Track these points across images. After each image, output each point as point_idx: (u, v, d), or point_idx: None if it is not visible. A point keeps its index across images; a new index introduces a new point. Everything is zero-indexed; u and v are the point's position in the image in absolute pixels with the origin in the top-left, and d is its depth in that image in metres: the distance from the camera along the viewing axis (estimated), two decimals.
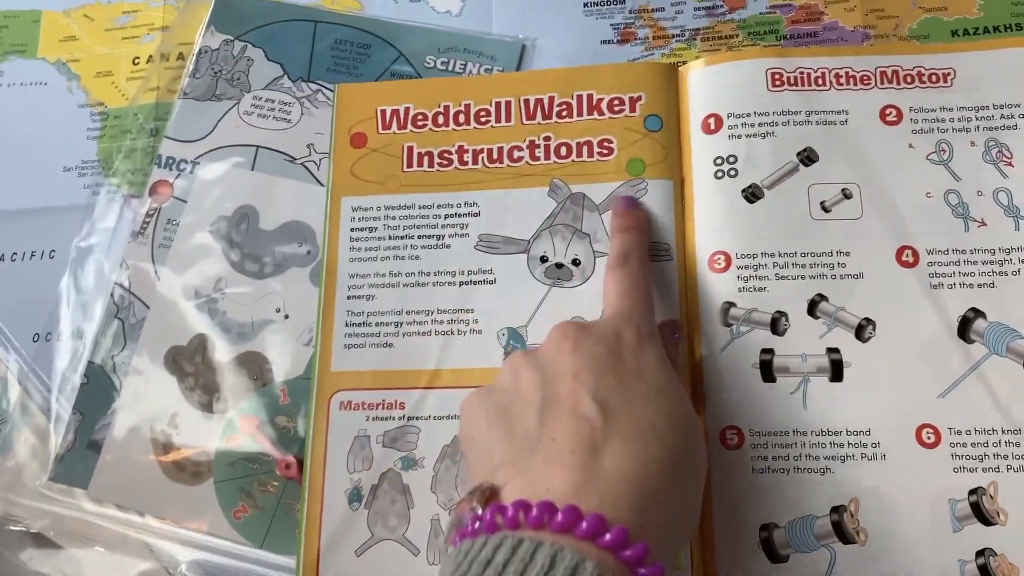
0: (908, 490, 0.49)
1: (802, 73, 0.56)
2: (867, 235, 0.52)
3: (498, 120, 0.58)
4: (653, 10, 0.60)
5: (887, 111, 0.55)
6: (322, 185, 0.60)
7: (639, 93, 0.57)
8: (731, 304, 0.52)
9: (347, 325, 0.55)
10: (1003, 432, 0.49)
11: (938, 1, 0.59)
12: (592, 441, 0.39)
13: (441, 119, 0.58)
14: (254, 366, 0.57)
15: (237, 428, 0.56)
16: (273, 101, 0.62)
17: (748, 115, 0.55)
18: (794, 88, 0.55)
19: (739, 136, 0.55)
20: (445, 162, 0.57)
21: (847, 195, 0.53)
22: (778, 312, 0.51)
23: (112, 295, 0.59)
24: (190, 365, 0.58)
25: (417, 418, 0.53)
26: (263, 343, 0.57)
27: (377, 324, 0.55)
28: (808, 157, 0.54)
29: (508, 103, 0.58)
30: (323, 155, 0.60)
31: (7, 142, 0.66)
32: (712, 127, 0.55)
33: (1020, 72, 0.55)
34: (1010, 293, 0.51)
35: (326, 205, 0.58)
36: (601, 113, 0.57)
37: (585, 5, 0.62)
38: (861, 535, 0.48)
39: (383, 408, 0.54)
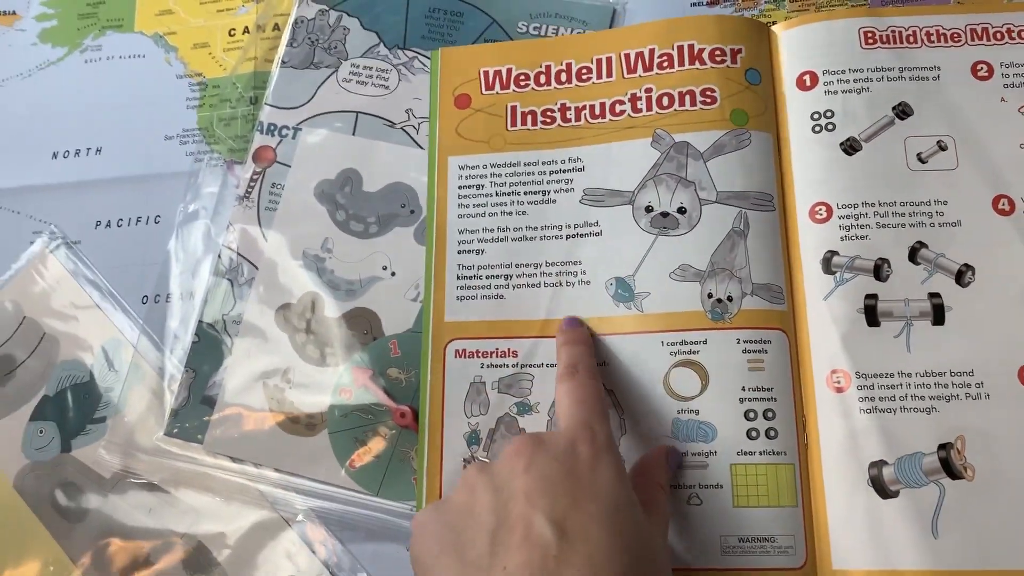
0: (1013, 428, 0.50)
1: (894, 31, 0.57)
2: (963, 185, 0.54)
3: (599, 76, 0.60)
4: None
5: (978, 67, 0.56)
6: (421, 148, 0.61)
7: (739, 46, 0.58)
8: (834, 252, 0.54)
9: (458, 278, 0.58)
10: None
11: None
12: (544, 570, 0.39)
13: (543, 78, 0.60)
14: (363, 321, 0.59)
15: (350, 380, 0.58)
16: (371, 68, 0.64)
17: (843, 72, 0.57)
18: (887, 46, 0.57)
19: (835, 92, 0.56)
20: (548, 120, 0.59)
21: (942, 147, 0.55)
22: (880, 259, 0.53)
23: (219, 256, 0.61)
24: (300, 321, 0.60)
25: (530, 366, 0.55)
26: (371, 299, 0.59)
27: (488, 276, 0.57)
28: (903, 111, 0.56)
29: (608, 59, 0.60)
30: (422, 119, 0.62)
31: (109, 113, 0.68)
32: (808, 84, 0.57)
33: None
34: None
35: (432, 165, 0.60)
36: (703, 63, 0.58)
37: None
38: (969, 471, 0.50)
39: (497, 356, 0.56)
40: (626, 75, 0.59)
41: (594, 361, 0.52)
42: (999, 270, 0.53)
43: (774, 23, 0.60)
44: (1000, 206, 0.53)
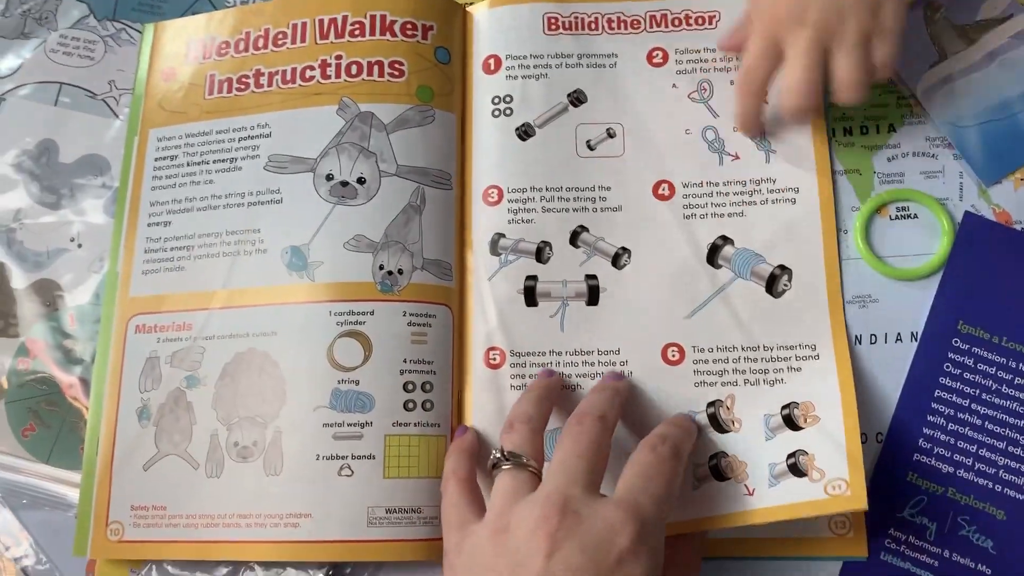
0: (652, 403, 0.52)
1: (577, 18, 0.59)
2: (627, 171, 0.56)
3: (293, 41, 0.59)
4: None
5: (654, 53, 0.58)
6: (120, 119, 0.61)
7: (431, 22, 0.59)
8: (501, 235, 0.55)
9: (146, 252, 0.57)
10: (742, 349, 0.53)
11: None
12: None
13: (242, 45, 0.60)
14: (47, 293, 0.58)
15: (27, 352, 0.57)
16: (78, 40, 0.63)
17: (525, 57, 0.58)
18: (569, 32, 0.58)
19: (515, 77, 0.58)
20: (242, 87, 0.59)
21: (611, 134, 0.57)
22: (543, 242, 0.55)
23: None
24: None
25: (203, 338, 0.55)
26: (56, 271, 0.59)
27: (172, 249, 0.57)
28: (577, 98, 0.57)
29: (304, 24, 0.59)
30: (124, 91, 0.62)
31: None
32: (492, 67, 0.58)
33: None
34: (756, 221, 0.55)
35: (131, 137, 0.60)
36: (394, 35, 0.58)
37: None
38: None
39: (173, 329, 0.55)
40: (319, 41, 0.59)
41: (687, 445, 0.47)
42: (655, 253, 0.55)
43: (472, 3, 0.60)
44: (660, 191, 0.55)
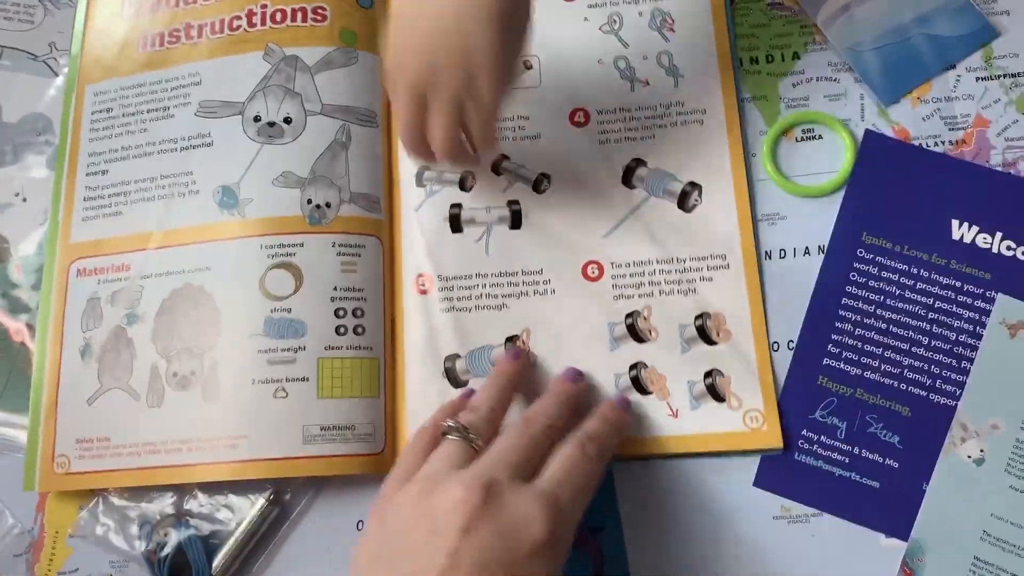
0: (574, 318, 0.55)
1: None
2: (544, 102, 0.59)
3: None
4: None
5: None
6: (60, 78, 0.63)
7: None
8: (426, 167, 0.58)
9: (85, 199, 0.60)
10: (657, 262, 0.55)
11: None
12: None
13: (172, 1, 0.63)
14: None
15: None
16: (19, 4, 0.66)
17: None
18: None
19: None
20: (173, 40, 0.62)
21: (527, 66, 0.59)
22: (466, 172, 0.57)
23: None
24: None
25: (141, 277, 0.57)
26: (2, 225, 0.61)
27: (110, 196, 0.59)
28: None
29: None
30: (63, 51, 0.64)
31: None
32: None
33: None
34: (667, 142, 0.57)
35: (68, 93, 0.62)
36: None
37: None
38: (532, 358, 0.54)
39: (112, 271, 0.58)
40: None
41: (614, 444, 0.49)
42: (574, 178, 0.57)
43: None
44: (576, 119, 0.58)
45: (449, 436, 0.46)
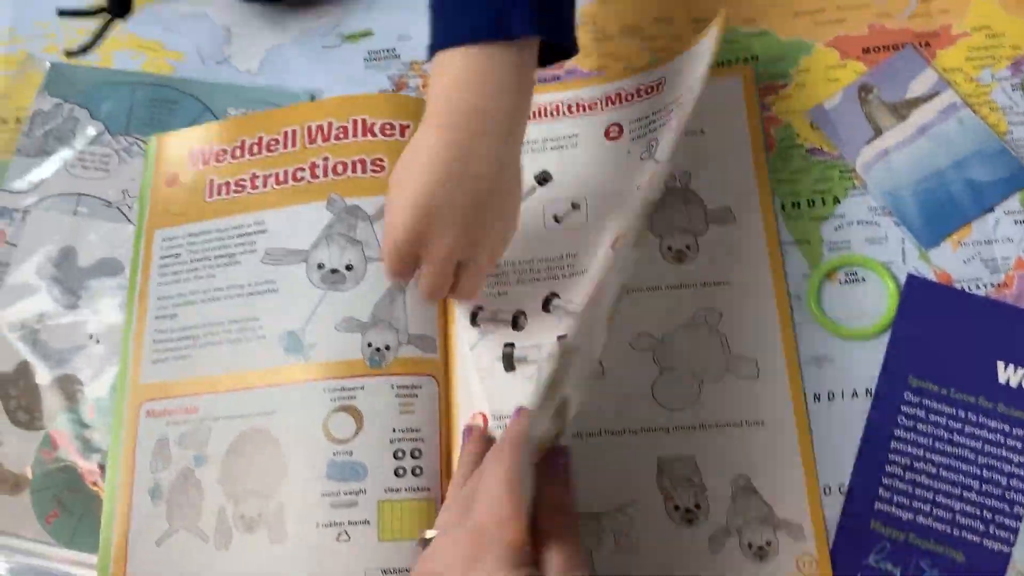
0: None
1: (540, 108, 0.65)
2: (589, 235, 0.61)
3: (285, 147, 0.66)
4: (423, 63, 0.70)
5: (611, 129, 0.64)
6: (133, 224, 0.67)
7: (408, 122, 0.65)
8: (480, 308, 0.60)
9: (155, 342, 0.62)
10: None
11: (662, 44, 0.67)
12: None
13: (239, 152, 0.67)
14: (68, 387, 0.63)
15: (51, 443, 0.62)
16: (95, 154, 0.70)
17: None
18: (533, 120, 0.64)
19: None
20: (239, 188, 0.65)
21: (575, 206, 0.62)
22: (518, 311, 0.60)
23: None
24: (14, 389, 0.64)
25: (209, 420, 0.59)
26: (77, 367, 0.64)
27: (179, 339, 0.62)
28: (543, 178, 0.63)
29: (294, 131, 0.66)
30: (136, 198, 0.68)
31: None
32: None
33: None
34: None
35: (138, 238, 0.66)
36: (374, 135, 0.65)
37: (365, 60, 0.71)
38: None
39: (181, 413, 0.60)
40: (308, 145, 0.66)
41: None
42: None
43: None
44: (615, 244, 0.60)
45: None
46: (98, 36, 0.74)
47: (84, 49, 0.74)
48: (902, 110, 0.62)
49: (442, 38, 0.50)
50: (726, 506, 0.55)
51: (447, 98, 0.49)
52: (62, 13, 0.75)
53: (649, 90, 0.64)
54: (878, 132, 0.62)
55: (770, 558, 0.54)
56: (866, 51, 0.65)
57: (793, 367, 0.57)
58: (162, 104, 0.71)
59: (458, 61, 0.49)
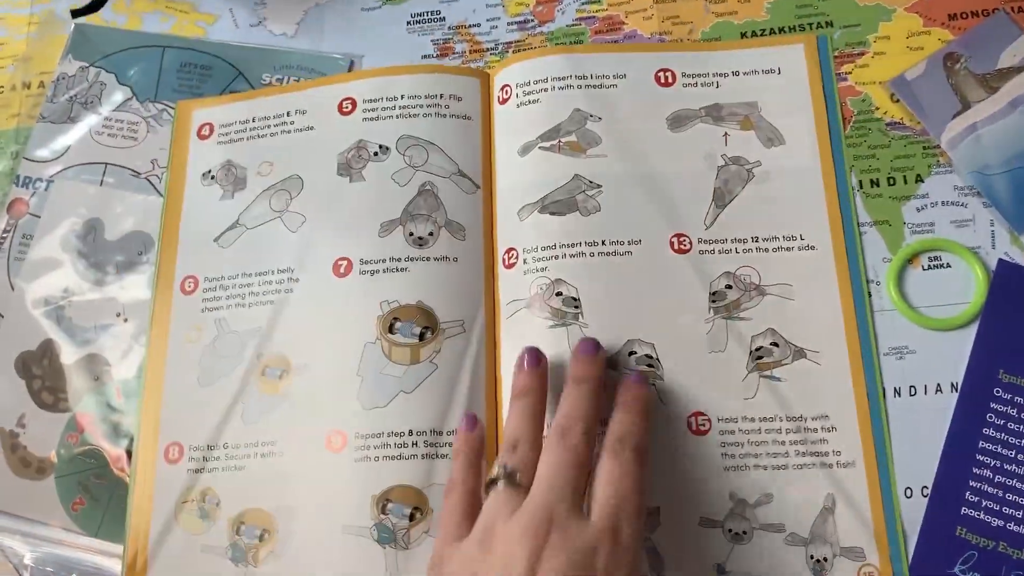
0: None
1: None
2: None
3: None
4: (470, 26, 0.65)
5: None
6: (163, 196, 0.63)
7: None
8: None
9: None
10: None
11: (729, 6, 0.63)
12: None
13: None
14: (95, 367, 0.60)
15: (76, 426, 0.59)
16: (122, 122, 0.66)
17: None
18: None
19: None
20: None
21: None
22: None
23: None
24: (38, 368, 0.60)
25: None
26: (104, 346, 0.60)
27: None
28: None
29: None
30: (165, 169, 0.64)
31: None
32: None
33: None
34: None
35: (164, 211, 0.62)
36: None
37: (408, 23, 0.66)
38: None
39: None
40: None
41: (647, 442, 0.47)
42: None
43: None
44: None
45: (499, 486, 0.44)
46: None
47: (89, 8, 0.69)
48: (992, 82, 0.57)
49: None
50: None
51: None
52: None
53: None
54: (966, 105, 0.57)
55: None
56: (952, 17, 0.60)
57: (856, 360, 0.53)
58: (192, 69, 0.67)
59: None
